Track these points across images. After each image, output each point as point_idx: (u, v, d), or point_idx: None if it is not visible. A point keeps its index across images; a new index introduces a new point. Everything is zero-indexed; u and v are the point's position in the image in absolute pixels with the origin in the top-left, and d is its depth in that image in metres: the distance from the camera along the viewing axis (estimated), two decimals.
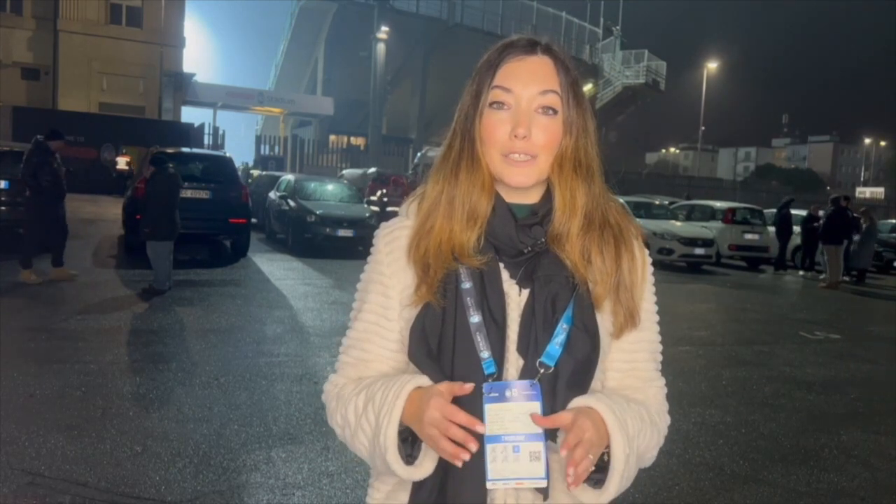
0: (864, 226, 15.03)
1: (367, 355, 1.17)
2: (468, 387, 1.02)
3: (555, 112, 1.09)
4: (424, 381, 1.08)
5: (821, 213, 15.88)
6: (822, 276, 14.51)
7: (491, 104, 1.10)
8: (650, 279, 1.19)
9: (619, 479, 1.06)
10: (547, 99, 1.09)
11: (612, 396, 1.10)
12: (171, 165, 8.73)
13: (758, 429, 5.00)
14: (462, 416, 1.00)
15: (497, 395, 1.04)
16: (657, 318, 1.21)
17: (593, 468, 1.05)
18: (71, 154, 17.02)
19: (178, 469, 3.68)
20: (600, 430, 1.03)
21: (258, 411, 4.67)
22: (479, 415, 1.03)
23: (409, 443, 1.09)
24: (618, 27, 46.29)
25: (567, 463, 0.99)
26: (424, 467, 1.08)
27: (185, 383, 5.14)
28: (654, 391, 1.20)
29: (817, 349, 7.99)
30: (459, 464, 1.00)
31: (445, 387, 1.03)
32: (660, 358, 1.22)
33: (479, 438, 1.02)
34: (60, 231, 8.75)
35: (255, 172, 23.35)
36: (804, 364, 7.12)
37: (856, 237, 14.84)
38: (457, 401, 1.05)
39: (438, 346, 1.09)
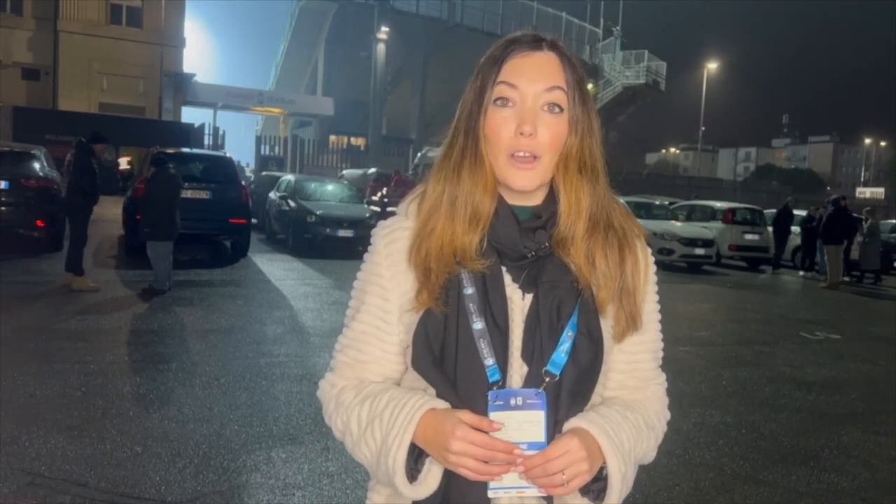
0: (866, 226, 15.00)
1: (365, 357, 1.15)
2: (497, 426, 1.01)
3: (561, 110, 1.07)
4: (439, 403, 1.06)
5: (818, 212, 15.86)
6: (822, 277, 14.52)
7: (495, 101, 1.07)
8: (653, 280, 1.18)
9: (617, 495, 1.07)
10: (553, 95, 1.06)
11: (604, 413, 1.09)
12: (171, 166, 8.73)
13: (758, 429, 5.00)
14: (500, 445, 0.99)
15: (502, 403, 1.03)
16: (659, 317, 1.21)
17: (592, 481, 1.06)
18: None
19: (178, 469, 3.68)
20: (593, 449, 1.03)
21: (258, 412, 4.67)
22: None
23: (413, 457, 1.07)
24: (618, 27, 46.33)
25: (530, 464, 1.00)
26: (428, 485, 1.07)
27: (185, 383, 5.14)
28: (653, 389, 1.20)
29: (817, 349, 7.99)
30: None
31: (469, 418, 1.01)
32: (661, 356, 1.22)
33: None
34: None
35: (266, 173, 22.18)
36: (804, 364, 7.11)
37: (857, 238, 14.82)
38: (461, 406, 1.04)
39: (441, 352, 1.07)
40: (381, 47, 39.48)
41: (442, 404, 1.06)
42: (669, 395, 1.24)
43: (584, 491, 1.08)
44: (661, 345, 1.22)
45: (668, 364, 1.24)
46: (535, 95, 1.06)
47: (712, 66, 47.60)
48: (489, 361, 1.05)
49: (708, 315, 9.88)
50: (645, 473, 1.17)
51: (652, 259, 1.19)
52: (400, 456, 1.04)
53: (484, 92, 1.08)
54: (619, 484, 1.06)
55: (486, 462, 1.00)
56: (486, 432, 1.00)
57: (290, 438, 4.23)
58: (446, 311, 1.07)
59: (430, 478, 1.06)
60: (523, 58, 1.07)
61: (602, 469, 1.06)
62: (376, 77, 39.85)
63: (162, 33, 29.76)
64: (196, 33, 58.27)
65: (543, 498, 1.05)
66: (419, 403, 1.05)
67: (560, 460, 0.99)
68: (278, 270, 11.08)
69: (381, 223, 1.19)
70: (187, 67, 32.49)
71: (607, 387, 1.17)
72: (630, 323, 1.13)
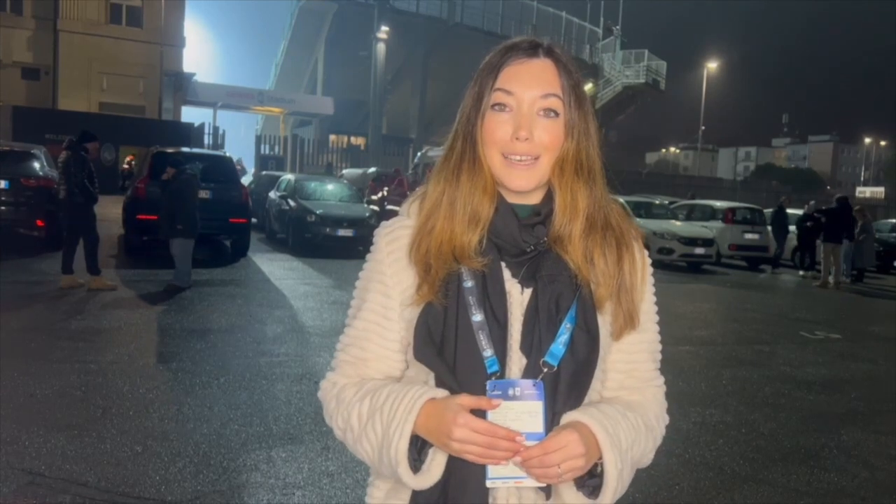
0: (859, 224, 15.01)
1: (367, 354, 1.17)
2: (496, 403, 1.02)
3: (556, 114, 1.09)
4: (438, 392, 1.07)
5: (814, 212, 15.84)
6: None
7: (493, 106, 1.10)
8: (650, 280, 1.20)
9: (612, 493, 1.07)
10: (548, 102, 1.09)
11: (604, 410, 1.10)
12: (188, 167, 8.91)
13: (758, 428, 5.00)
14: (502, 432, 1.00)
15: (500, 393, 1.04)
16: (657, 318, 1.22)
17: (588, 476, 1.07)
18: None
19: (178, 469, 3.68)
20: (591, 444, 1.03)
21: (258, 411, 4.67)
22: (480, 413, 1.03)
23: (416, 448, 1.08)
24: (618, 27, 46.28)
25: (528, 455, 1.00)
26: (432, 474, 1.07)
27: (185, 383, 5.14)
28: (652, 391, 1.20)
29: (817, 349, 7.99)
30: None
31: (468, 400, 1.02)
32: (659, 358, 1.22)
33: None
34: (76, 238, 8.40)
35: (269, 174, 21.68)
36: (804, 364, 7.11)
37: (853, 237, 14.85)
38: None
39: (441, 344, 1.09)
40: (381, 47, 39.45)
41: (441, 393, 1.07)
42: (669, 396, 1.24)
43: (580, 485, 1.08)
44: (660, 347, 1.22)
45: (668, 364, 1.24)
46: (531, 101, 1.09)
47: (712, 66, 47.61)
48: (487, 353, 1.07)
49: (708, 315, 9.88)
50: (645, 473, 1.17)
51: (649, 260, 1.21)
52: (402, 446, 1.05)
53: (482, 98, 1.11)
54: (615, 481, 1.06)
55: (489, 448, 1.00)
56: (486, 419, 1.01)
57: (290, 438, 4.23)
58: (446, 303, 1.09)
59: (434, 467, 1.07)
60: (520, 64, 1.11)
61: (598, 465, 1.06)
62: (376, 77, 39.83)
63: (162, 33, 29.71)
64: (196, 33, 58.16)
65: (540, 490, 1.06)
66: (419, 393, 1.07)
67: (558, 454, 1.00)
68: (278, 270, 11.09)
69: (384, 223, 1.21)
70: (187, 67, 32.50)
71: (606, 387, 1.18)
72: (628, 320, 1.14)
